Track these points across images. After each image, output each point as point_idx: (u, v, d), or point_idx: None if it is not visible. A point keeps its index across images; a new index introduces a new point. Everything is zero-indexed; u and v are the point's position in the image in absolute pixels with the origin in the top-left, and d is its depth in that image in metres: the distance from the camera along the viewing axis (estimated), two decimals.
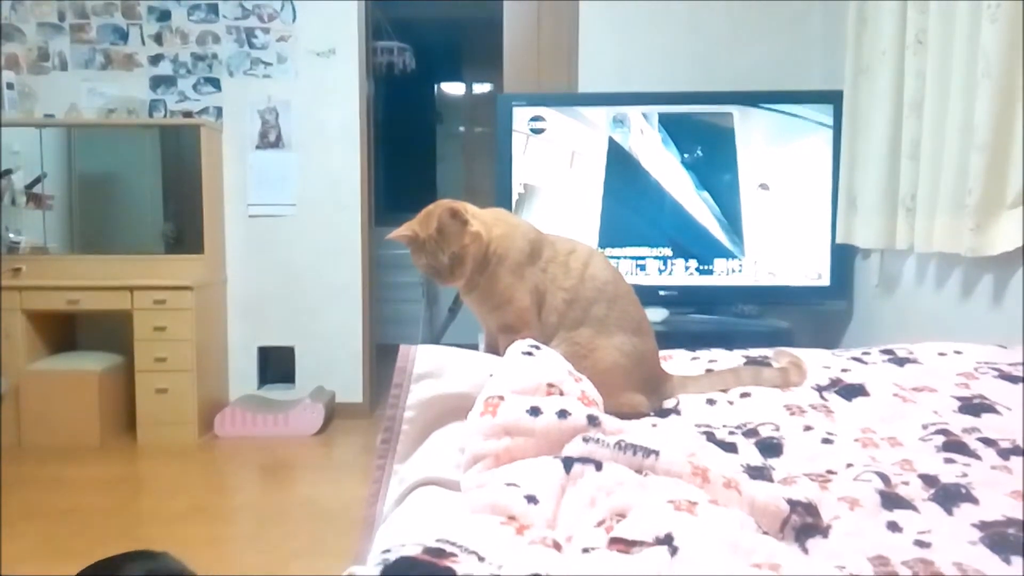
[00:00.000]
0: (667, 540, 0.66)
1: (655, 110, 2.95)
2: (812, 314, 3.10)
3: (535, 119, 2.97)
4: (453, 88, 6.83)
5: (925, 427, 1.13)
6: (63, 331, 3.77)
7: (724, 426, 1.18)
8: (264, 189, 3.88)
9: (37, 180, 3.76)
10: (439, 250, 1.27)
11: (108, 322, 3.69)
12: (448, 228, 1.26)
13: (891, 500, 0.86)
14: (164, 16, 3.82)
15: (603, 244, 2.94)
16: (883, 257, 2.68)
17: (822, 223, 2.89)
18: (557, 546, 0.70)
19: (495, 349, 1.31)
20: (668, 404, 1.32)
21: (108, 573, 1.20)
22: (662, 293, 2.92)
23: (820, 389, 1.31)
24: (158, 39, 3.83)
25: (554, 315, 1.29)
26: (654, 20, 3.47)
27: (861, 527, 0.80)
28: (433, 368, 1.10)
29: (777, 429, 1.15)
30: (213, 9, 3.82)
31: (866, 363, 1.44)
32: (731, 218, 2.94)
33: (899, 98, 2.38)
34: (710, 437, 1.11)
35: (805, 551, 0.76)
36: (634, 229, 2.96)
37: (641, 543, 0.67)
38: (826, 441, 1.10)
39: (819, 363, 1.43)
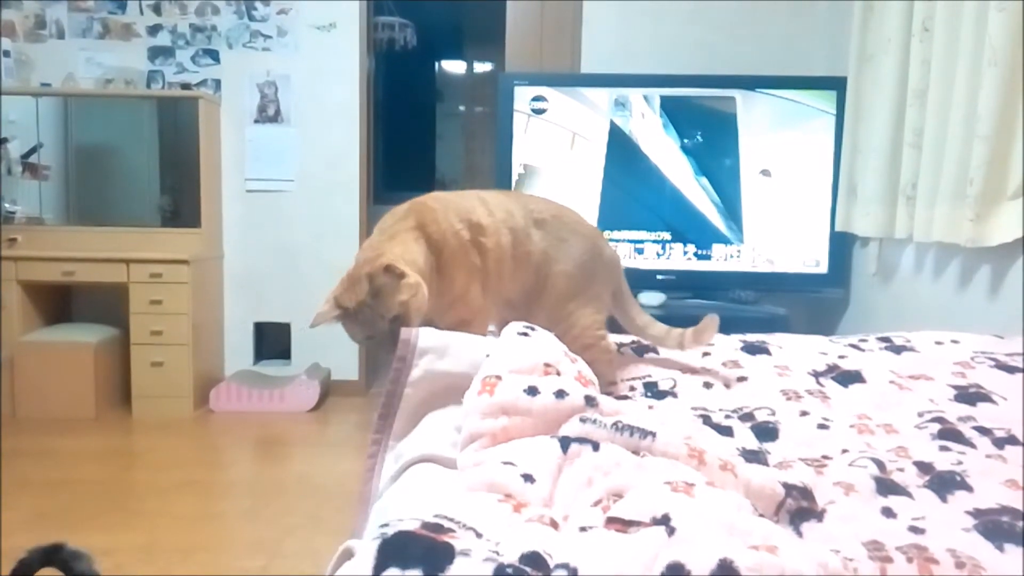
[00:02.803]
0: (664, 520, 0.66)
1: (657, 92, 2.94)
2: (809, 301, 3.10)
3: (537, 99, 2.95)
4: (454, 66, 6.77)
5: (921, 415, 1.14)
6: (58, 303, 3.76)
7: (720, 410, 1.18)
8: (262, 164, 3.86)
9: (33, 150, 3.73)
10: (377, 317, 1.12)
11: (104, 295, 3.68)
12: (384, 288, 1.11)
13: (886, 486, 0.87)
14: None
15: (602, 227, 2.92)
16: (881, 246, 2.68)
17: (822, 210, 2.88)
18: (554, 524, 0.70)
19: None
20: (664, 386, 1.33)
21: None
22: (660, 277, 2.92)
23: (817, 375, 1.32)
24: (157, 9, 3.79)
25: (494, 279, 1.29)
26: (658, 3, 3.44)
27: (856, 512, 0.81)
28: (434, 346, 1.10)
29: (773, 414, 1.15)
30: None
31: (863, 350, 1.44)
32: (730, 204, 2.93)
33: (903, 86, 2.37)
34: (706, 420, 1.12)
35: (800, 534, 0.76)
36: (633, 213, 2.96)
37: (638, 523, 0.67)
38: (822, 427, 1.10)
39: (816, 349, 1.44)
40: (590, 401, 0.93)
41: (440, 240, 1.25)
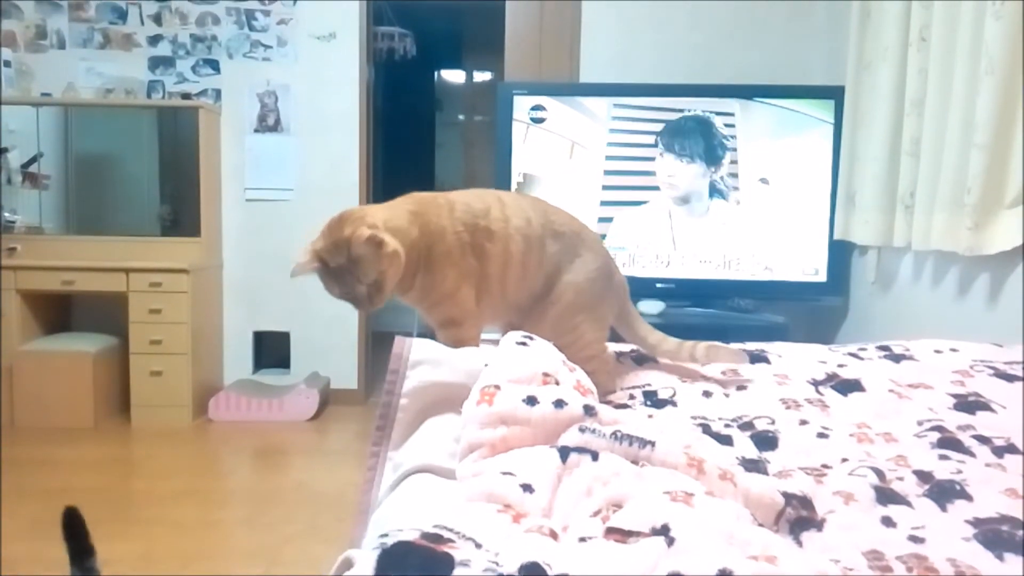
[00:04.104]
0: (664, 531, 0.66)
1: (656, 102, 2.95)
2: (808, 309, 3.10)
3: (536, 108, 2.96)
4: (453, 76, 6.80)
5: (920, 423, 1.14)
6: (58, 312, 3.76)
7: (720, 419, 1.18)
8: (262, 173, 3.87)
9: (33, 159, 3.74)
10: (356, 281, 1.15)
11: (103, 304, 3.68)
12: (365, 256, 1.14)
13: (886, 495, 0.86)
14: None
15: (602, 235, 2.94)
16: (880, 254, 2.69)
17: (820, 219, 2.89)
18: (553, 535, 0.70)
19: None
20: (664, 395, 1.33)
21: None
22: (659, 285, 2.93)
23: (816, 384, 1.31)
24: (157, 19, 3.81)
25: (496, 284, 1.29)
26: (657, 12, 3.46)
27: (855, 521, 0.80)
28: (428, 357, 1.10)
29: (773, 423, 1.15)
30: None
31: (862, 359, 1.44)
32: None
33: (900, 95, 2.38)
34: (706, 429, 1.11)
35: (799, 544, 0.76)
36: (633, 222, 2.96)
37: (638, 533, 0.67)
38: (821, 435, 1.10)
39: (815, 358, 1.44)
40: (589, 410, 0.93)
41: (436, 233, 1.24)
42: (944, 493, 0.88)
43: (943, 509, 0.85)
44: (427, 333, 1.30)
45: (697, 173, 2.93)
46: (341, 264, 1.14)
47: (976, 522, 0.80)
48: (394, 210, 1.24)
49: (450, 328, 1.28)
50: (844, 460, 1.01)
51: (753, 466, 0.95)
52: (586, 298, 1.32)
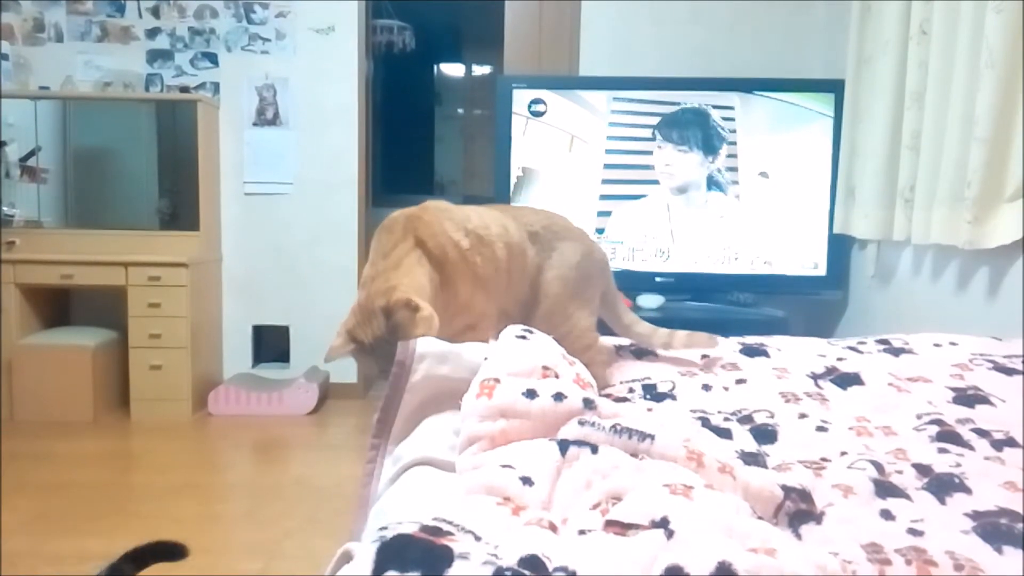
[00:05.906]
0: (663, 523, 0.66)
1: (655, 95, 2.94)
2: (808, 303, 3.10)
3: (535, 102, 2.95)
4: (453, 69, 6.78)
5: (919, 417, 1.14)
6: (56, 306, 3.75)
7: (719, 412, 1.18)
8: (261, 167, 3.86)
9: (31, 153, 3.73)
10: (396, 351, 1.09)
11: (102, 298, 3.67)
12: (401, 323, 1.10)
13: (885, 488, 0.87)
14: None
15: (601, 229, 2.94)
16: (880, 248, 2.68)
17: (820, 213, 2.89)
18: (553, 528, 0.70)
19: None
20: (663, 389, 1.33)
21: None
22: (658, 280, 2.92)
23: (815, 377, 1.32)
24: (155, 12, 3.79)
25: (492, 287, 1.30)
26: (656, 6, 3.45)
27: (854, 514, 0.80)
28: (433, 352, 1.10)
29: (772, 416, 1.15)
30: None
31: (862, 352, 1.44)
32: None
33: (901, 88, 2.37)
34: (705, 423, 1.11)
35: (799, 537, 0.76)
36: (632, 215, 2.96)
37: (637, 526, 0.67)
38: (821, 429, 1.10)
39: (815, 351, 1.44)
40: (588, 404, 0.93)
41: (440, 255, 1.25)
42: (943, 486, 0.88)
43: (942, 502, 0.85)
44: None
45: (695, 162, 2.92)
46: (379, 336, 1.12)
47: (975, 515, 0.80)
48: (401, 264, 1.20)
49: (466, 333, 1.28)
50: (843, 453, 1.01)
51: (752, 459, 0.95)
52: (573, 285, 1.35)
